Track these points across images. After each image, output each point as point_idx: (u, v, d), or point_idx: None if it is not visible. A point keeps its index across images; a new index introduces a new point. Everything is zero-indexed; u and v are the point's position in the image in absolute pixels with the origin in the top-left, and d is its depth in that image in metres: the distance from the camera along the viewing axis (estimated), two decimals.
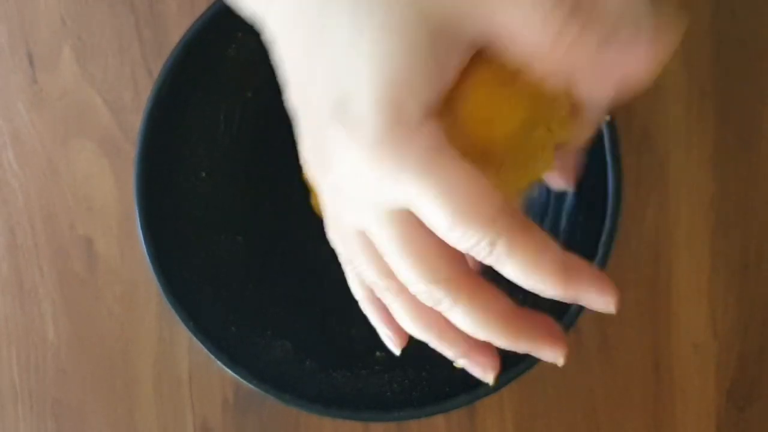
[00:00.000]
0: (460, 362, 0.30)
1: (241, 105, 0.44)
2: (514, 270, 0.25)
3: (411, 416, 0.41)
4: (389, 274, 0.27)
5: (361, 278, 0.30)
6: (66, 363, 0.48)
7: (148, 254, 0.41)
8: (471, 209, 0.24)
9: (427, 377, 0.42)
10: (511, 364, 0.41)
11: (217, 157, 0.44)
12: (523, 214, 0.25)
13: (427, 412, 0.41)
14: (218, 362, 0.41)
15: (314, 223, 0.46)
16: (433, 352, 0.44)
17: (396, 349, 0.32)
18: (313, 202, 0.46)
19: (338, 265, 0.47)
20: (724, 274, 0.47)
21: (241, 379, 0.41)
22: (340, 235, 0.29)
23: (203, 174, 0.44)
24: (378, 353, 0.44)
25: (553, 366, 0.48)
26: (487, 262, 0.25)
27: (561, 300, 0.26)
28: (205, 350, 0.41)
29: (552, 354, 0.28)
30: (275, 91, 0.42)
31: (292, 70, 0.27)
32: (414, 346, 0.44)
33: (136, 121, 0.43)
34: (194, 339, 0.41)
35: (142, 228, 0.41)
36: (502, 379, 0.41)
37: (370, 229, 0.26)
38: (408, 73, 0.24)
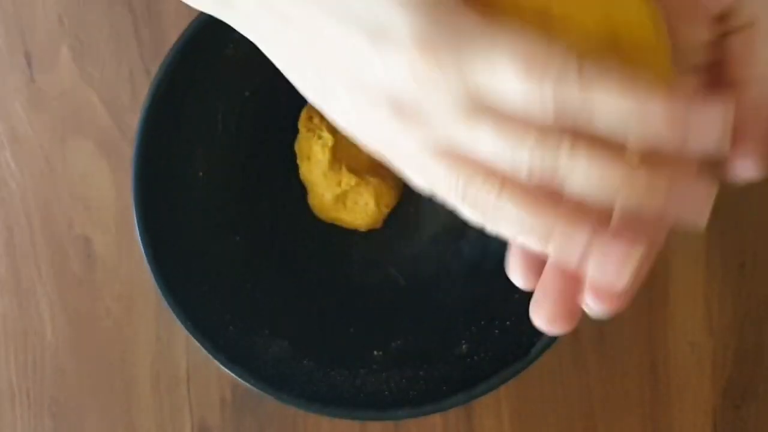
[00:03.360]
0: (594, 254, 0.25)
1: (238, 105, 0.45)
2: (610, 92, 0.23)
3: (408, 415, 0.41)
4: (494, 173, 0.25)
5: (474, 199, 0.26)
6: (64, 362, 0.48)
7: (146, 254, 0.41)
8: (545, 52, 0.23)
9: (424, 376, 0.42)
10: (507, 363, 0.41)
11: (214, 157, 0.44)
12: None
13: (425, 411, 0.41)
14: (216, 361, 0.41)
15: (312, 222, 0.46)
16: (430, 351, 0.44)
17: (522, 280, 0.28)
18: (310, 201, 0.46)
19: (337, 265, 0.47)
20: (720, 272, 0.47)
21: (239, 379, 0.41)
22: (428, 173, 0.26)
23: (201, 173, 0.44)
24: (376, 352, 0.44)
25: (550, 364, 0.48)
26: (580, 98, 0.23)
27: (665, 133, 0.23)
28: (203, 349, 0.41)
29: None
30: (273, 90, 0.42)
31: (294, 51, 0.27)
32: (412, 345, 0.44)
33: (133, 120, 0.43)
34: (192, 338, 0.41)
35: (140, 227, 0.41)
36: (498, 378, 0.41)
37: (458, 140, 0.25)
38: None
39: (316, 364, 0.43)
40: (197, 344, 0.41)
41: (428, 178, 0.26)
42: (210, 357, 0.41)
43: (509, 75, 0.23)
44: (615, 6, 0.25)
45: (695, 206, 0.24)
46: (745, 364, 0.47)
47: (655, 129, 0.23)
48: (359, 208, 0.45)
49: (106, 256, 0.48)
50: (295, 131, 0.45)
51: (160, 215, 0.42)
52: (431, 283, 0.46)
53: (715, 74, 0.27)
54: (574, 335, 0.47)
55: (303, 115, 0.45)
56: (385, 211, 0.45)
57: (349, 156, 0.44)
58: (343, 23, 0.25)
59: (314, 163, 0.44)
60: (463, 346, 0.43)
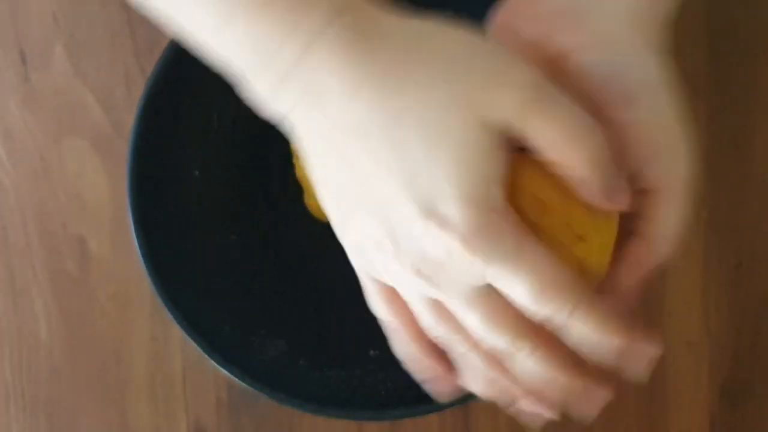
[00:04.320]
0: (521, 406, 0.33)
1: (234, 104, 0.44)
2: (584, 329, 0.30)
3: (405, 415, 0.41)
4: (461, 330, 0.31)
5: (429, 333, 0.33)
6: (59, 362, 0.48)
7: (141, 253, 0.41)
8: (557, 286, 0.29)
9: None
10: None
11: (210, 156, 0.44)
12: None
13: (421, 411, 0.41)
14: (212, 361, 0.41)
15: (308, 221, 0.46)
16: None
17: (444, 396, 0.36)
18: (306, 201, 0.46)
19: (332, 264, 0.47)
20: (718, 272, 0.47)
21: (235, 378, 0.41)
22: (412, 300, 0.32)
23: (196, 172, 0.44)
24: (372, 352, 0.44)
25: None
26: (561, 325, 0.30)
27: (610, 359, 0.31)
28: (199, 349, 0.41)
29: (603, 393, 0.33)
30: None
31: (330, 176, 0.30)
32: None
33: (128, 119, 0.43)
34: (187, 338, 0.41)
35: (135, 227, 0.41)
36: None
37: (452, 304, 0.30)
38: (482, 166, 0.28)
39: (313, 363, 0.43)
40: (193, 344, 0.41)
41: (411, 306, 0.32)
42: (205, 357, 0.41)
43: (521, 292, 0.29)
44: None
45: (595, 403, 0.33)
46: (742, 364, 0.47)
47: (606, 353, 0.31)
48: None
49: (101, 256, 0.48)
50: None
51: (156, 214, 0.42)
52: None
53: (626, 220, 0.33)
54: None
55: None
56: None
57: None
58: (403, 189, 0.28)
59: None
60: None
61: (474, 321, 0.30)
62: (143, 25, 0.47)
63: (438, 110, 0.28)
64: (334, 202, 0.31)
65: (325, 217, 0.46)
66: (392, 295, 0.32)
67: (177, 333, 0.46)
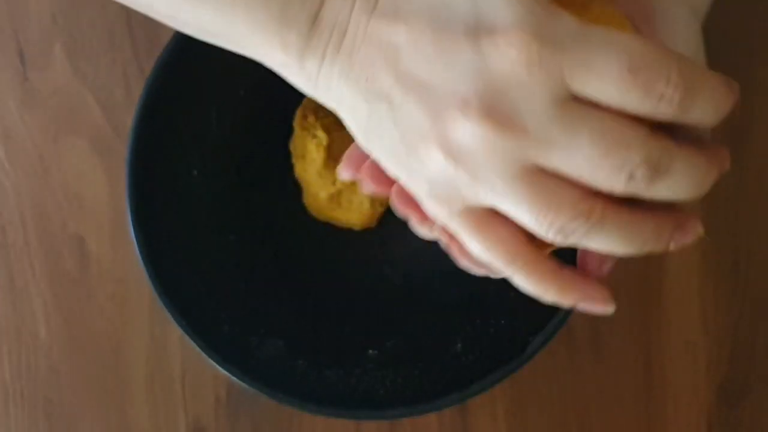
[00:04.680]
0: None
1: (233, 103, 0.44)
2: (704, 94, 0.26)
3: (403, 414, 0.41)
4: (586, 197, 0.26)
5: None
6: (58, 362, 0.48)
7: (140, 253, 0.41)
8: (650, 55, 0.25)
9: (419, 375, 0.42)
10: (502, 362, 0.41)
11: (209, 155, 0.44)
12: None
13: (420, 410, 0.41)
14: (210, 361, 0.41)
15: (307, 221, 0.46)
16: (425, 350, 0.44)
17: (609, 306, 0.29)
18: (305, 200, 0.46)
19: (331, 264, 0.47)
20: (715, 271, 0.47)
21: (234, 378, 0.41)
22: (511, 197, 0.27)
23: (195, 172, 0.44)
24: (371, 351, 0.44)
25: (545, 363, 0.48)
26: (673, 104, 0.25)
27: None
28: (198, 349, 0.41)
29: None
30: (268, 89, 0.42)
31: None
32: (407, 344, 0.44)
33: (127, 119, 0.43)
34: (186, 337, 0.41)
35: (134, 226, 0.41)
36: (493, 377, 0.41)
37: (553, 146, 0.25)
38: None
39: (311, 363, 0.43)
40: (191, 343, 0.41)
41: (510, 200, 0.26)
42: (204, 356, 0.41)
43: (611, 81, 0.24)
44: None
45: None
46: (740, 363, 0.47)
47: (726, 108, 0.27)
48: (354, 207, 0.45)
49: (100, 256, 0.48)
50: (290, 130, 0.45)
51: (155, 214, 0.42)
52: (426, 282, 0.46)
53: None
54: (569, 334, 0.47)
55: (298, 113, 0.45)
56: (380, 209, 0.45)
57: (343, 155, 0.44)
58: (447, 30, 0.25)
59: (309, 161, 0.44)
60: (458, 345, 0.43)
61: (584, 145, 0.25)
62: (142, 26, 0.47)
63: None
64: (392, 158, 0.28)
65: (324, 217, 0.46)
66: (490, 221, 0.27)
67: (176, 332, 0.46)
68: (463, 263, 0.30)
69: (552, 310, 0.40)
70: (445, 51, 0.25)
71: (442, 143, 0.26)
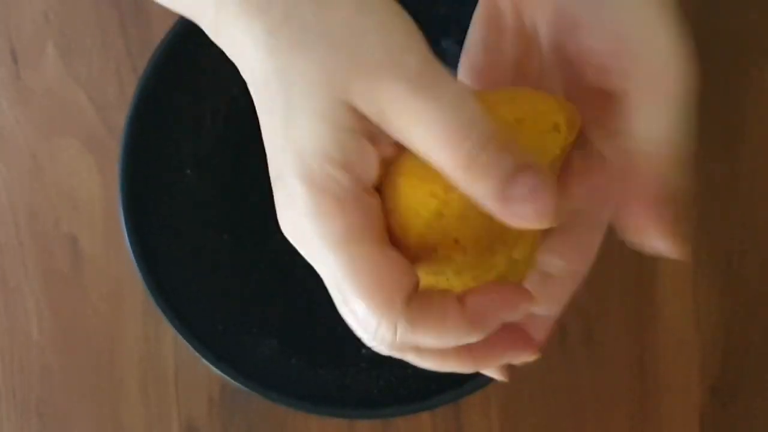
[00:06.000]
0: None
1: (226, 102, 0.44)
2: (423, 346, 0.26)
3: (397, 413, 0.41)
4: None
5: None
6: (51, 361, 0.48)
7: (133, 252, 0.41)
8: (375, 291, 0.25)
9: (413, 375, 0.42)
10: None
11: (202, 154, 0.44)
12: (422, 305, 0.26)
13: (413, 409, 0.41)
14: (204, 360, 0.41)
15: None
16: None
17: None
18: None
19: None
20: (708, 270, 0.48)
21: (227, 378, 0.41)
22: None
23: (189, 171, 0.44)
24: (364, 350, 0.44)
25: (538, 362, 0.48)
26: (391, 346, 0.26)
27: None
28: (191, 348, 0.41)
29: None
30: None
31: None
32: None
33: (120, 117, 0.43)
34: (180, 337, 0.41)
35: (127, 225, 0.41)
36: (486, 376, 0.41)
37: None
38: (329, 146, 0.25)
39: (305, 362, 0.43)
40: (185, 343, 0.41)
41: None
42: (198, 356, 0.41)
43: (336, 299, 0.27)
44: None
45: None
46: (733, 362, 0.48)
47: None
48: None
49: (93, 255, 0.48)
50: None
51: (148, 213, 0.42)
52: None
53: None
54: (562, 333, 0.47)
55: None
56: None
57: None
58: (269, 157, 0.27)
59: None
60: None
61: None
62: (135, 24, 0.47)
63: (311, 77, 0.25)
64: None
65: None
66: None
67: (169, 332, 0.46)
68: None
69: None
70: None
71: None
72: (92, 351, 0.48)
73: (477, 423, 0.47)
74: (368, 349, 0.44)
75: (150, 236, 0.41)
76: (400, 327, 0.25)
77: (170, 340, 0.47)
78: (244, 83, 0.46)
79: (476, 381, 0.40)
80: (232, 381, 0.41)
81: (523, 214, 0.23)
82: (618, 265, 0.47)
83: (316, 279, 0.48)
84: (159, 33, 0.45)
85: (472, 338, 0.26)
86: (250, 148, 0.46)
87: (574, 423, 0.48)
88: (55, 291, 0.48)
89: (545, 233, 0.28)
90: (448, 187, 0.25)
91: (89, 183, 0.47)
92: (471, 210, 0.25)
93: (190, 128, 0.44)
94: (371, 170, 0.25)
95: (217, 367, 0.41)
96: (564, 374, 0.47)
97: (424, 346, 0.26)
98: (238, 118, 0.45)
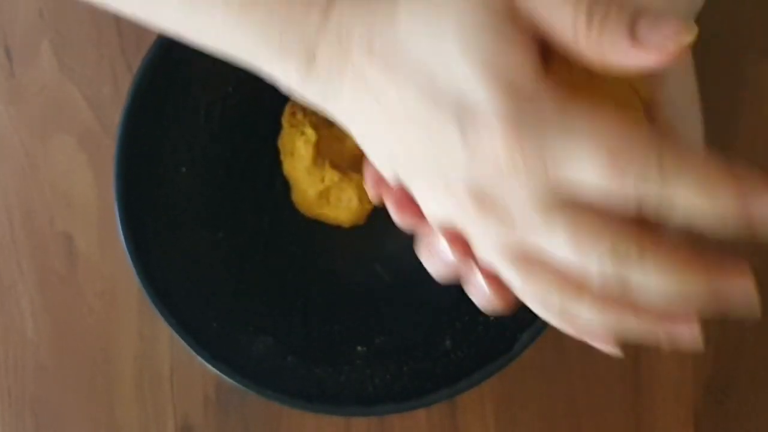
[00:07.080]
0: (664, 341, 0.28)
1: (221, 100, 0.44)
2: (688, 189, 0.24)
3: (392, 410, 0.41)
4: (565, 284, 0.26)
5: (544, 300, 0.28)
6: (45, 360, 0.48)
7: (128, 250, 0.41)
8: (628, 143, 0.24)
9: (408, 372, 0.42)
10: (490, 358, 0.41)
11: (197, 152, 0.44)
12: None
13: (409, 406, 0.41)
14: (199, 358, 0.41)
15: (295, 218, 0.46)
16: (414, 346, 0.44)
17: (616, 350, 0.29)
18: (294, 197, 0.46)
19: (320, 260, 0.47)
20: None
21: (223, 375, 0.41)
22: (499, 269, 0.28)
23: (184, 169, 0.44)
24: (360, 348, 0.44)
25: (533, 360, 0.49)
26: (657, 198, 0.24)
27: (729, 221, 0.25)
28: (186, 346, 0.41)
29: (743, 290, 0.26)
30: (256, 86, 0.42)
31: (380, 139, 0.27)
32: (396, 340, 0.44)
33: (115, 115, 0.42)
34: (175, 335, 0.41)
35: (122, 224, 0.41)
36: (482, 373, 0.41)
37: (532, 242, 0.26)
38: (498, 46, 0.24)
39: (300, 360, 0.43)
40: (180, 341, 0.41)
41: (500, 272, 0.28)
42: (193, 354, 0.41)
43: (591, 168, 0.24)
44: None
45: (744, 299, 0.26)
46: (726, 359, 0.48)
47: (729, 221, 0.25)
48: (343, 204, 0.45)
49: (87, 253, 0.47)
50: (279, 127, 0.45)
51: (143, 211, 0.42)
52: (415, 279, 0.46)
53: None
54: (557, 331, 0.47)
55: (286, 110, 0.45)
56: (369, 207, 0.45)
57: (332, 152, 0.44)
58: (432, 103, 0.25)
59: (297, 159, 0.44)
60: (447, 342, 0.43)
61: (561, 246, 0.25)
62: (130, 22, 0.47)
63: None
64: (381, 157, 0.28)
65: (313, 214, 0.46)
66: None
67: (164, 330, 0.46)
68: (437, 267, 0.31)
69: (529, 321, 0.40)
70: (432, 131, 0.25)
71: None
72: (87, 349, 0.48)
73: (472, 421, 0.48)
74: (363, 346, 0.44)
75: (145, 234, 0.41)
76: (667, 162, 0.24)
77: (165, 338, 0.47)
78: (238, 81, 0.46)
79: (471, 379, 0.41)
80: (228, 379, 0.41)
81: (657, 43, 0.24)
82: None
83: (311, 276, 0.48)
84: (154, 31, 0.45)
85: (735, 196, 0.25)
86: (245, 146, 0.46)
87: (568, 421, 0.48)
88: (50, 289, 0.48)
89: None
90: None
91: (84, 181, 0.47)
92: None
93: (185, 126, 0.44)
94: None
95: (212, 365, 0.41)
96: (559, 371, 0.48)
97: (687, 191, 0.24)
98: (233, 115, 0.45)
